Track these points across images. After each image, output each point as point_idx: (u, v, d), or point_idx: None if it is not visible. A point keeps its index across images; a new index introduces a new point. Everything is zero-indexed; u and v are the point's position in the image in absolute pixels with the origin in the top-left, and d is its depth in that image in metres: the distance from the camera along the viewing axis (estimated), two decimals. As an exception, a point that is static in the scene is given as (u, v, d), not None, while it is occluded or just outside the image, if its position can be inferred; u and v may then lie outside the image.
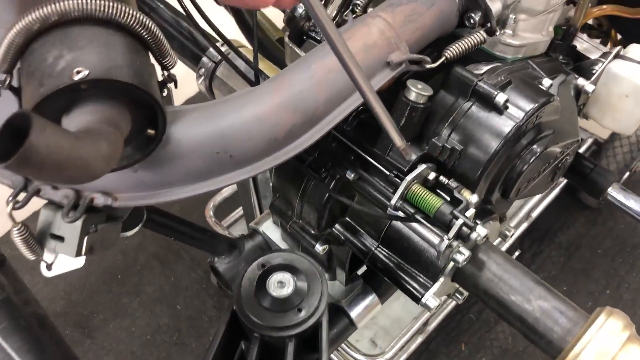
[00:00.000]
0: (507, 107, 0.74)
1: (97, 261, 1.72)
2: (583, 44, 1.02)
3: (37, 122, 0.41)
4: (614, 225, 1.74)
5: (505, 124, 0.74)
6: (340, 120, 0.70)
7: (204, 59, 1.07)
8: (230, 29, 1.06)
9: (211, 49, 1.07)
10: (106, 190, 0.62)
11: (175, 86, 0.66)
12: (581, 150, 1.58)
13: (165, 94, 0.72)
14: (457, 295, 0.87)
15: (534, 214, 1.62)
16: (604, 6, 1.06)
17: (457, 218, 0.70)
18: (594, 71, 0.96)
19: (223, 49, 1.05)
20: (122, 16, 0.53)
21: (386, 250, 0.83)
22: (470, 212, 0.71)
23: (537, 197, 1.60)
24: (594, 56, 1.00)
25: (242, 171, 0.67)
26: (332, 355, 1.38)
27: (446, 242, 0.70)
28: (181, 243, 1.72)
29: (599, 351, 0.69)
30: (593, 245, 1.69)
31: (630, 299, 1.60)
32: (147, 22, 0.55)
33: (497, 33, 0.82)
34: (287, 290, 0.69)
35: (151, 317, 1.65)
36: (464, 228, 0.70)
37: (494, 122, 0.74)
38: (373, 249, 0.84)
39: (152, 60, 0.61)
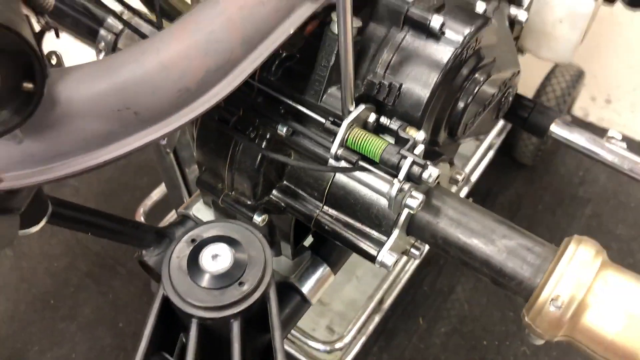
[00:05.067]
0: (443, 32, 0.67)
1: (24, 289, 1.59)
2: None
3: None
4: (551, 180, 1.77)
5: (444, 51, 0.67)
6: (261, 62, 0.60)
7: (102, 31, 0.95)
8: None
9: (109, 20, 0.95)
10: (-17, 169, 0.51)
11: (57, 36, 0.55)
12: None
13: (54, 61, 0.61)
14: (414, 250, 0.80)
15: (473, 178, 1.60)
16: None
17: (405, 157, 0.62)
18: (525, 0, 0.91)
19: (125, 17, 0.94)
20: None
21: (332, 211, 0.75)
22: (419, 149, 0.63)
23: (474, 160, 1.58)
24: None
25: (151, 129, 0.56)
26: (288, 348, 1.30)
27: (397, 185, 0.62)
28: (116, 257, 1.61)
29: (573, 284, 0.63)
30: (534, 202, 1.71)
31: (574, 249, 1.62)
32: None
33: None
34: (224, 264, 0.60)
35: (92, 340, 1.52)
36: (415, 167, 0.62)
37: (432, 49, 0.67)
38: (317, 211, 0.75)
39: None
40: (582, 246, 0.65)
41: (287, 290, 0.86)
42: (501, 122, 1.57)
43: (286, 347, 1.25)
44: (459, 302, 1.55)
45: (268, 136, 0.72)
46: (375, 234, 0.73)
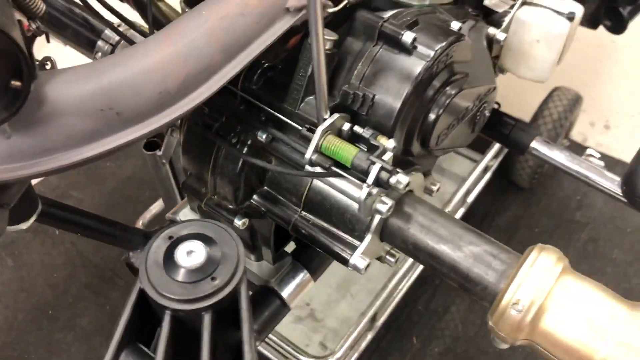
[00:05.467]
0: (415, 47, 0.70)
1: (23, 298, 1.61)
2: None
3: None
4: (549, 204, 1.78)
5: (415, 64, 0.70)
6: (240, 70, 0.64)
7: (100, 42, 1.00)
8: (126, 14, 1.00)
9: (107, 32, 1.00)
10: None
11: (47, 40, 0.59)
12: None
13: (48, 66, 0.65)
14: (389, 257, 0.82)
15: (469, 199, 1.62)
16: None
17: (374, 163, 0.65)
18: (503, 22, 0.95)
19: (122, 29, 0.99)
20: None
21: (310, 216, 0.78)
22: (388, 155, 0.67)
23: (471, 181, 1.59)
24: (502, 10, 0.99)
25: (133, 129, 0.60)
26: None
27: (366, 189, 0.65)
28: (115, 269, 1.63)
29: (534, 288, 0.66)
30: (530, 225, 1.72)
31: (570, 271, 1.63)
32: None
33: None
34: (197, 260, 0.63)
35: (88, 350, 1.54)
36: (383, 172, 0.65)
37: (404, 63, 0.71)
38: (296, 216, 0.78)
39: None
40: (543, 253, 0.68)
41: (267, 294, 0.88)
42: (497, 145, 1.59)
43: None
44: (454, 322, 1.55)
45: (249, 142, 0.76)
46: (349, 238, 0.76)
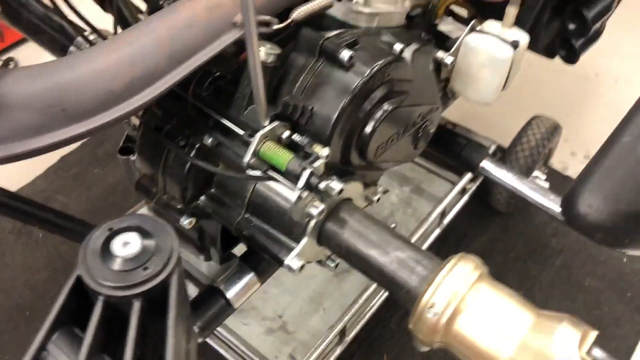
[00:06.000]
0: (352, 64, 0.76)
1: (2, 299, 1.62)
2: (448, 25, 1.07)
3: None
4: (525, 229, 1.80)
5: (351, 80, 0.76)
6: (184, 76, 0.69)
7: (72, 48, 1.06)
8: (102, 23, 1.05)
9: (79, 38, 1.06)
10: None
11: (2, 40, 0.64)
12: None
13: (12, 65, 0.70)
14: (329, 262, 0.87)
15: (446, 221, 1.65)
16: (465, -10, 1.12)
17: (306, 169, 0.70)
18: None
19: (92, 37, 1.04)
20: None
21: (253, 218, 0.83)
22: (319, 162, 0.71)
23: (446, 202, 1.61)
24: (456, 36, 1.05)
25: (77, 125, 0.65)
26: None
27: (297, 192, 0.70)
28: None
29: (449, 293, 0.70)
30: (506, 250, 1.74)
31: (543, 297, 1.64)
32: None
33: (352, 2, 0.86)
34: (132, 250, 0.67)
35: (63, 353, 1.55)
36: (313, 178, 0.70)
37: (341, 78, 0.76)
38: (239, 218, 0.83)
39: None
40: (462, 262, 0.72)
41: (212, 293, 0.92)
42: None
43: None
44: (425, 343, 1.57)
45: (197, 145, 0.81)
46: (287, 240, 0.80)
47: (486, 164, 1.10)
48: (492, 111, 1.39)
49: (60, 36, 1.10)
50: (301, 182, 0.70)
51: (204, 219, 0.87)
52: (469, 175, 1.60)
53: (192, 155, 0.80)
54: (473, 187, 1.66)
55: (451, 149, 1.12)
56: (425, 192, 1.78)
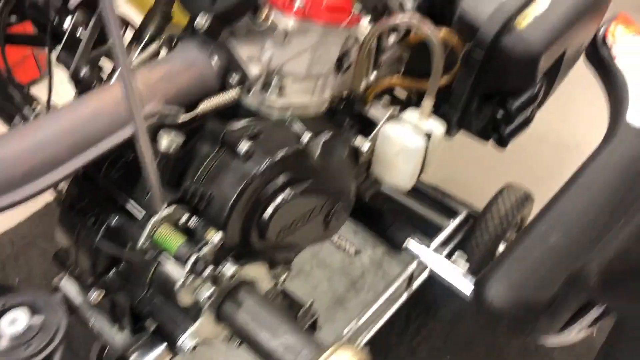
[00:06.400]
0: (250, 155, 0.81)
1: None
2: (377, 110, 1.13)
3: None
4: None
5: (248, 170, 0.81)
6: (85, 163, 0.75)
7: (17, 117, 1.11)
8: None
9: (25, 110, 1.12)
10: None
11: None
12: (456, 223, 1.62)
13: None
14: (232, 340, 0.89)
15: (414, 286, 1.65)
16: (394, 77, 1.18)
17: (192, 255, 0.74)
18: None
19: (38, 107, 1.10)
20: None
21: (155, 295, 0.86)
22: (207, 248, 0.75)
23: (413, 267, 1.61)
24: (383, 121, 1.11)
25: (-29, 209, 0.69)
26: None
27: (182, 278, 0.74)
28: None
29: (326, 380, 0.73)
30: (475, 318, 1.75)
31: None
32: None
33: (266, 93, 0.91)
34: (18, 327, 0.70)
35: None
36: (199, 263, 0.74)
37: (239, 168, 0.81)
38: (142, 294, 0.86)
39: None
40: (340, 350, 0.75)
41: (122, 364, 0.95)
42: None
43: None
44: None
45: (106, 223, 0.85)
46: (185, 319, 0.84)
47: (410, 244, 1.14)
48: (471, 177, 1.39)
49: (8, 105, 1.16)
50: (187, 268, 0.74)
51: (111, 292, 0.90)
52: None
53: (100, 233, 0.85)
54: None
55: (380, 225, 1.16)
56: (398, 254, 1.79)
